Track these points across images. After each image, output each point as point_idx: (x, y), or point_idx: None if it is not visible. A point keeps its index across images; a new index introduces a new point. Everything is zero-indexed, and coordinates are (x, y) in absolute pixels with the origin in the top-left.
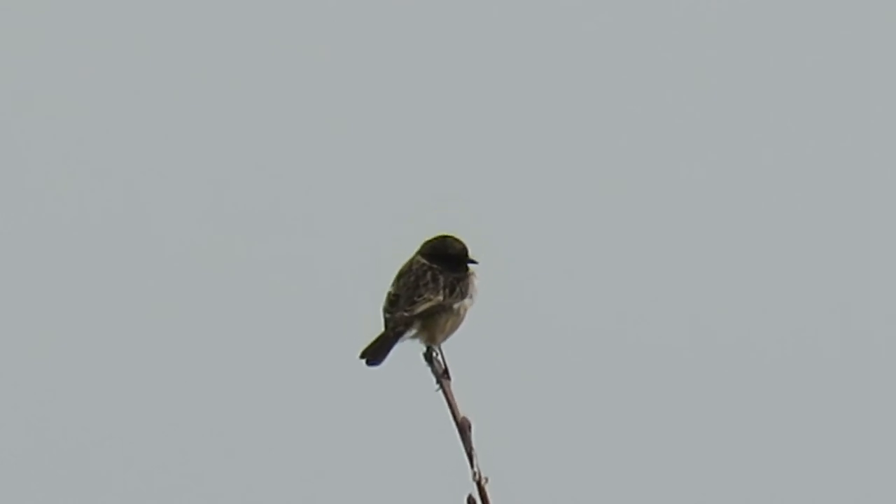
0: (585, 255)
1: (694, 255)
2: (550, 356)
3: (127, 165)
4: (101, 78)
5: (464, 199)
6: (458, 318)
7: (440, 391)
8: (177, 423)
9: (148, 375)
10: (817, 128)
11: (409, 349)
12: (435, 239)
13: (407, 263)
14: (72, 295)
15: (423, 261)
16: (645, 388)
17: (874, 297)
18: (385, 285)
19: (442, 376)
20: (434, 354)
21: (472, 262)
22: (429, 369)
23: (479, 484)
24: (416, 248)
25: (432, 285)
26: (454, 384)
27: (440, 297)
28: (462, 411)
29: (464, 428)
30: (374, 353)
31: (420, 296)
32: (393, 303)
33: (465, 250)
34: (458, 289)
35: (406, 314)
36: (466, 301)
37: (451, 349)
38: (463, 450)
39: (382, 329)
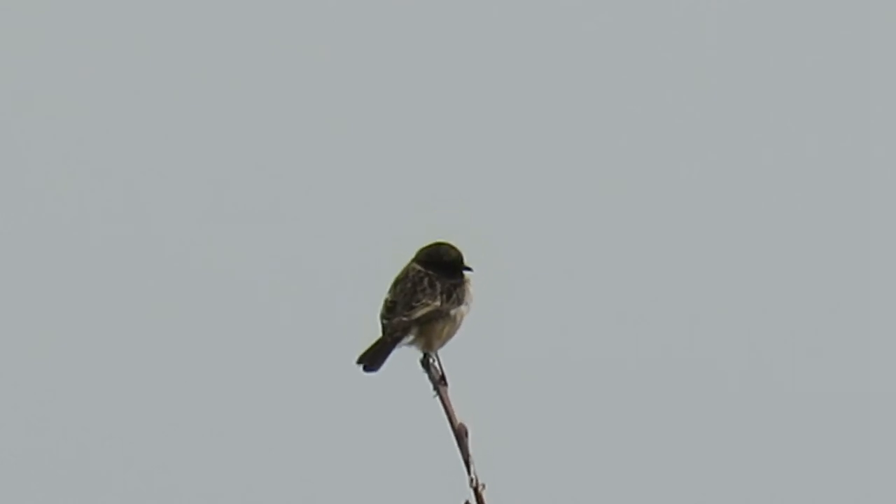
0: (581, 261)
1: (692, 261)
2: (547, 362)
3: (126, 165)
4: (100, 78)
5: (460, 205)
6: (454, 324)
7: (437, 397)
8: (173, 426)
9: (146, 377)
10: (816, 130)
11: (405, 356)
12: (430, 246)
13: (403, 270)
14: (70, 295)
15: (419, 267)
16: (641, 393)
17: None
18: (382, 291)
19: (439, 383)
20: (431, 361)
21: (467, 269)
22: (426, 376)
23: (476, 490)
24: (412, 255)
25: (430, 291)
26: (451, 390)
27: (437, 303)
28: (459, 417)
29: (461, 434)
30: (372, 359)
31: (418, 301)
32: (390, 309)
33: (460, 257)
34: (454, 295)
35: (404, 319)
36: (463, 308)
37: (448, 356)
38: (460, 456)
39: (380, 335)
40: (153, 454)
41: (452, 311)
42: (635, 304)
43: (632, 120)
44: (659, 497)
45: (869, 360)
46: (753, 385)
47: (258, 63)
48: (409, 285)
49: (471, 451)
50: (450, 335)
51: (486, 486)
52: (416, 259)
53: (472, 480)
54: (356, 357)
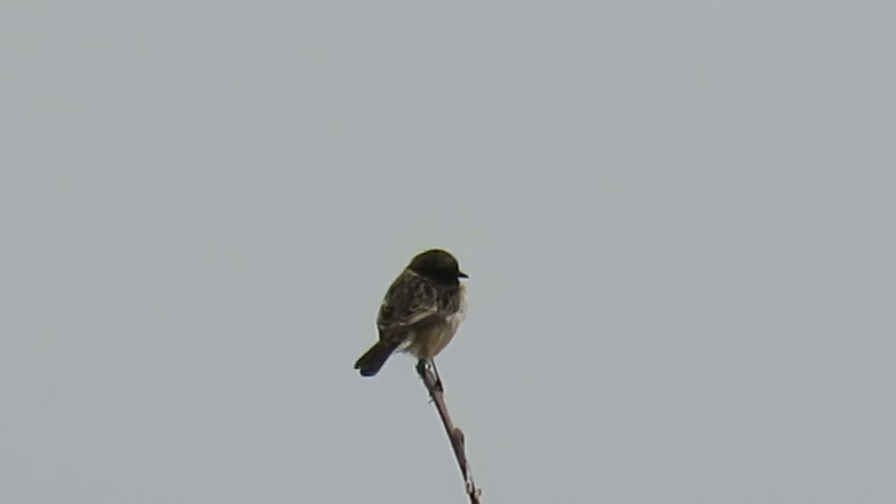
0: (577, 266)
1: (690, 268)
2: (542, 367)
3: (125, 165)
4: (100, 77)
5: (456, 211)
6: (450, 331)
7: (433, 403)
8: (168, 430)
9: (143, 379)
10: (816, 134)
11: (402, 361)
12: (426, 253)
13: (399, 277)
14: (68, 296)
15: (415, 274)
16: (638, 398)
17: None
18: (379, 297)
19: (434, 388)
20: (427, 366)
21: (463, 275)
22: (421, 381)
23: (472, 496)
24: (408, 262)
25: (426, 297)
26: (447, 396)
27: (434, 309)
28: (455, 423)
29: (457, 440)
30: (369, 364)
31: (415, 307)
32: (387, 315)
33: (455, 264)
34: (450, 301)
35: (402, 324)
36: (458, 315)
37: (443, 361)
38: (456, 461)
39: (377, 340)
40: (147, 459)
41: (448, 318)
42: (631, 310)
43: (631, 121)
44: (654, 502)
45: (866, 364)
46: (750, 389)
47: (257, 64)
48: (405, 291)
49: (466, 456)
50: (445, 341)
51: (482, 492)
52: (412, 266)
53: (468, 486)
54: (354, 361)
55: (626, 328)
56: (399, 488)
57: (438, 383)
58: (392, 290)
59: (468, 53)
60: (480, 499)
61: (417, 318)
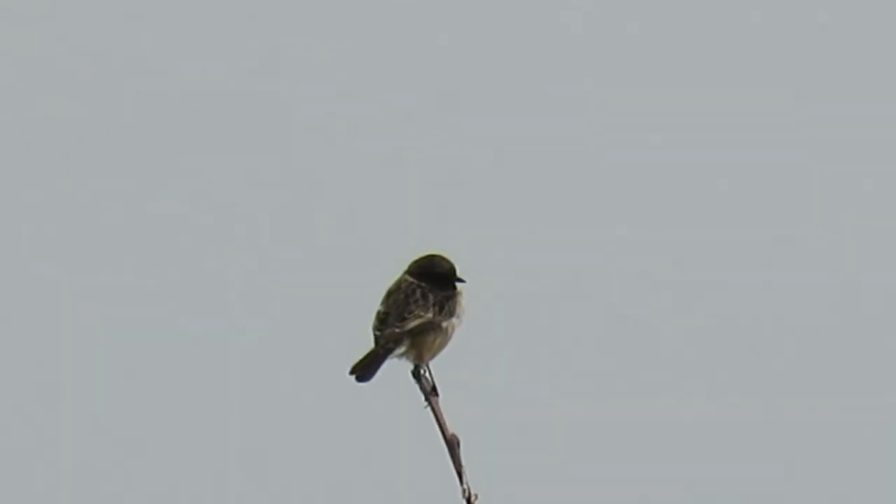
0: (575, 270)
1: (689, 274)
2: (539, 370)
3: (124, 165)
4: (100, 78)
5: (454, 216)
6: (446, 336)
7: (428, 408)
8: (165, 435)
9: (140, 381)
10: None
11: (397, 366)
12: (423, 258)
13: (395, 282)
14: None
15: (412, 279)
16: (636, 401)
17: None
18: (375, 303)
19: (430, 393)
20: (422, 371)
21: (460, 280)
22: (417, 386)
23: (468, 500)
24: (405, 267)
25: (422, 302)
26: (442, 401)
27: (430, 315)
28: (451, 428)
29: (453, 445)
30: (364, 370)
31: (410, 312)
32: (382, 320)
33: (452, 269)
34: (446, 307)
35: (397, 330)
36: (454, 320)
37: (439, 366)
38: (452, 467)
39: (372, 346)
40: (144, 463)
41: (444, 324)
42: (629, 314)
43: (631, 120)
44: None
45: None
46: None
47: (257, 64)
48: (401, 297)
49: (463, 461)
50: (441, 347)
51: (479, 497)
52: (409, 271)
53: (464, 491)
54: (349, 367)
55: (624, 332)
56: (395, 494)
57: (434, 388)
58: (388, 295)
59: (468, 54)
60: (477, 503)
61: (412, 324)
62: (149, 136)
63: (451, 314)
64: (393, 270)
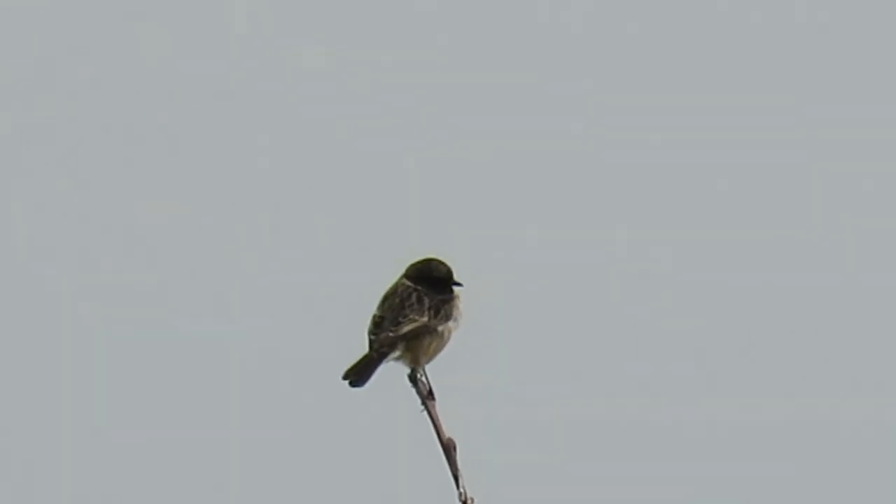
0: (573, 273)
1: (689, 284)
2: (536, 374)
3: (122, 167)
4: (100, 77)
5: (451, 219)
6: (442, 340)
7: (425, 412)
8: (161, 439)
9: (137, 383)
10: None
11: (393, 370)
12: (420, 262)
13: (392, 286)
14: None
15: (409, 283)
16: (633, 404)
17: None
18: (371, 307)
19: (427, 397)
20: (419, 375)
21: (457, 284)
22: (413, 390)
23: None
24: (402, 270)
25: (417, 307)
26: (439, 405)
27: (425, 319)
28: (447, 432)
29: (449, 449)
30: (358, 374)
31: (405, 317)
32: (378, 324)
33: (450, 273)
34: (442, 311)
35: (391, 335)
36: (451, 324)
37: (436, 370)
38: (448, 471)
39: (367, 350)
40: (141, 467)
41: (440, 328)
42: (625, 319)
43: (631, 122)
44: None
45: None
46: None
47: (256, 64)
48: (397, 301)
49: (459, 465)
50: (437, 351)
51: (475, 500)
52: (406, 275)
53: (460, 494)
54: (342, 372)
55: (620, 338)
56: (392, 498)
57: (430, 392)
58: (385, 299)
59: (468, 54)
60: None
61: (407, 328)
62: (149, 137)
63: (448, 318)
64: (391, 273)
